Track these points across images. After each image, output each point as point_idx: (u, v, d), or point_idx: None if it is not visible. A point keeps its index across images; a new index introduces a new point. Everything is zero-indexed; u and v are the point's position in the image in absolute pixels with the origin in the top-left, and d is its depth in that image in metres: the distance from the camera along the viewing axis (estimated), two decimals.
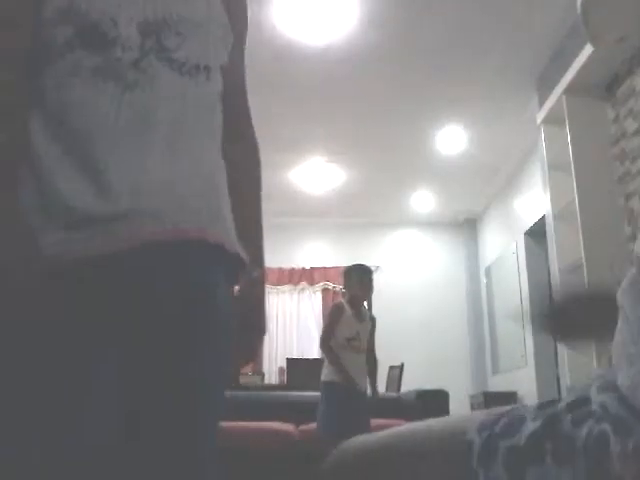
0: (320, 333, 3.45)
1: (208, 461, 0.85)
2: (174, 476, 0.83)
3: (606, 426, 0.68)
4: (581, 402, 0.76)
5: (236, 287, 1.01)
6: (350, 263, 3.56)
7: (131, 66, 0.87)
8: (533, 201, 5.98)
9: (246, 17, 1.12)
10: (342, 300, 3.46)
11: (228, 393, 0.94)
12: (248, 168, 1.12)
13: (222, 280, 0.92)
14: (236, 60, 1.07)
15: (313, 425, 3.27)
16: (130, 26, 0.88)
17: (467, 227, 8.14)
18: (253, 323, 1.05)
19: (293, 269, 7.51)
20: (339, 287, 7.88)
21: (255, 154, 1.14)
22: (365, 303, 3.60)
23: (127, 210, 0.82)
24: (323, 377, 3.27)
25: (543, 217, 5.06)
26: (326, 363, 3.29)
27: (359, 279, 3.42)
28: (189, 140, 0.91)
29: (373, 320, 3.51)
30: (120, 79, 0.86)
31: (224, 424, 1.01)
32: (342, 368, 3.17)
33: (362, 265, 3.52)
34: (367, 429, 3.01)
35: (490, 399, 6.53)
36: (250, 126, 1.14)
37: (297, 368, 4.99)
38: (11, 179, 0.80)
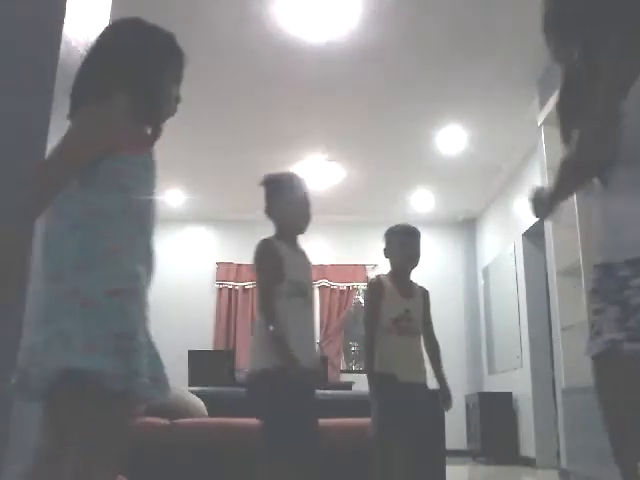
0: (364, 318, 2.64)
1: None
2: None
3: None
4: None
5: None
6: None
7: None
8: None
9: None
10: (380, 274, 2.65)
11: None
12: None
13: None
14: None
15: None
16: None
17: (466, 227, 8.14)
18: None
19: None
20: (337, 285, 7.90)
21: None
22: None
23: None
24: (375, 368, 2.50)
25: None
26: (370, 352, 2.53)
27: (401, 243, 2.58)
28: None
29: (426, 294, 2.65)
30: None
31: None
32: (375, 356, 2.47)
33: (406, 225, 2.65)
34: (426, 428, 2.52)
35: (485, 399, 6.55)
36: None
37: None
38: None
